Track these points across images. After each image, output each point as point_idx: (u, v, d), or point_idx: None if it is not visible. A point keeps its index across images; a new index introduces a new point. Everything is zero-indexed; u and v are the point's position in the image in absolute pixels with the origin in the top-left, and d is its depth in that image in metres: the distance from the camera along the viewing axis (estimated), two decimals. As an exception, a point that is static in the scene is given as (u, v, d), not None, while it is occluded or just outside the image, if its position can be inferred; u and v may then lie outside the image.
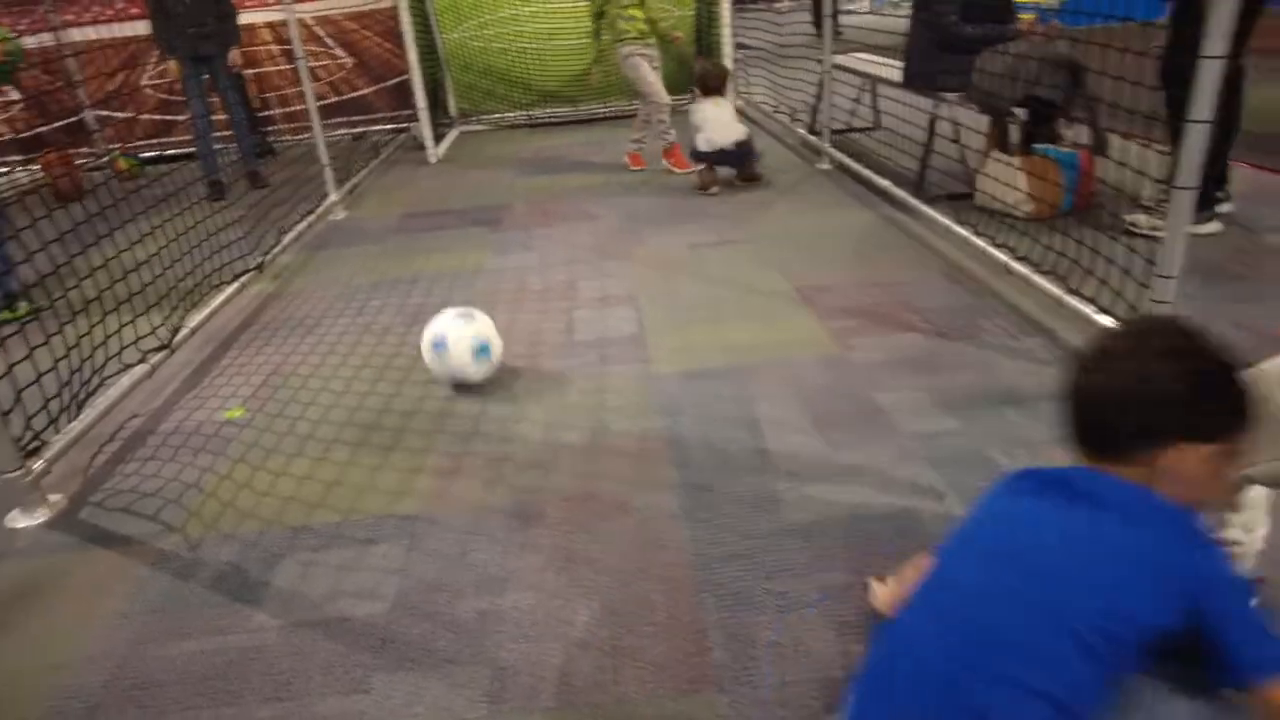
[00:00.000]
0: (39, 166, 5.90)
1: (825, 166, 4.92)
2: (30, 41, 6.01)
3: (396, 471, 2.17)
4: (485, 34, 7.22)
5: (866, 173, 4.41)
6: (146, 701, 1.52)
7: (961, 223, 3.34)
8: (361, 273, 3.82)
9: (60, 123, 6.84)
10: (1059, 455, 1.16)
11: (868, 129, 4.96)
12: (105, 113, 7.05)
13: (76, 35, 6.73)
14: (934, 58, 3.85)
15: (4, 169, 6.33)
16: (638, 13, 4.95)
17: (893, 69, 4.24)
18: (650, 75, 5.02)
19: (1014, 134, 3.82)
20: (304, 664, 1.57)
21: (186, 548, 1.95)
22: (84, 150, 6.80)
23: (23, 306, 3.39)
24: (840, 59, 5.04)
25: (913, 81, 4.11)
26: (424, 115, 6.16)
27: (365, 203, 5.18)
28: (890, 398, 2.31)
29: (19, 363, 2.22)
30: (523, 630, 1.59)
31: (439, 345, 2.50)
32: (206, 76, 5.33)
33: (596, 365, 2.68)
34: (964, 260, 3.28)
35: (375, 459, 2.25)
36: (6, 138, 6.66)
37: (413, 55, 5.96)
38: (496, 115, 7.55)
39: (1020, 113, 3.63)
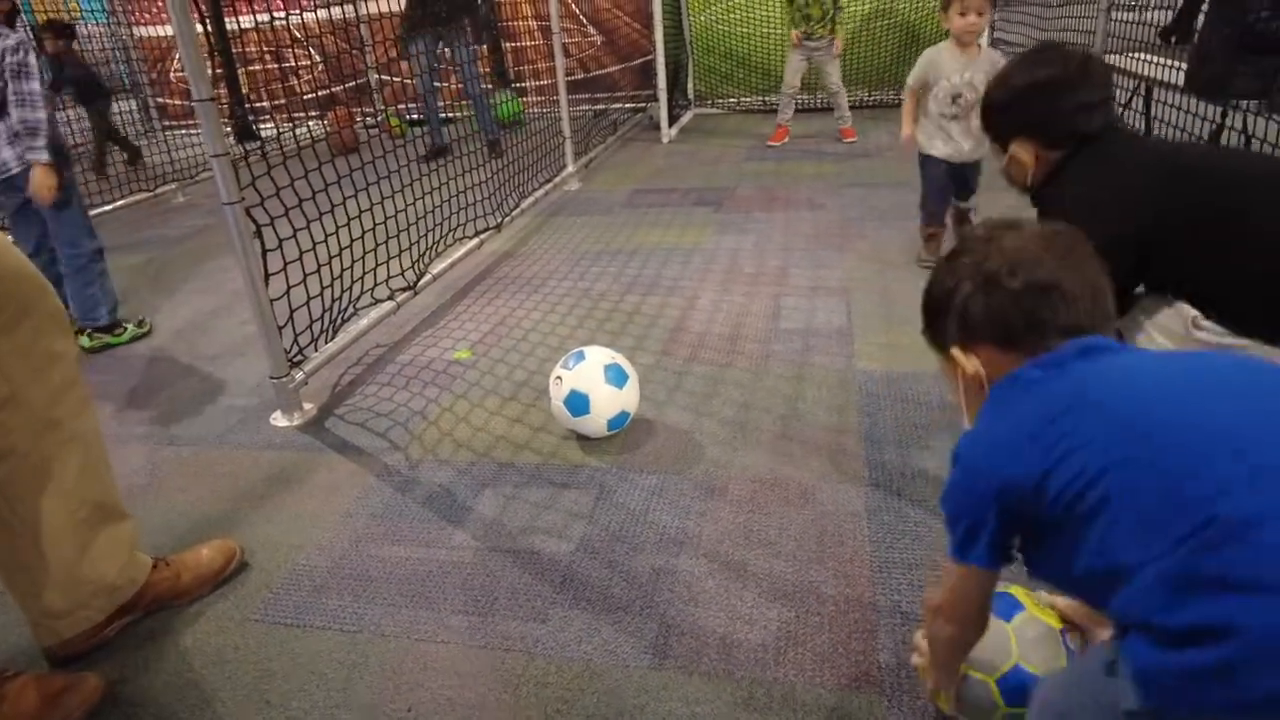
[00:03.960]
0: (328, 120, 6.72)
1: (1079, 175, 4.52)
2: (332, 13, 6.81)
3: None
4: (731, 18, 7.28)
5: (1127, 185, 3.99)
6: (360, 591, 1.73)
7: (1237, 248, 2.95)
8: (588, 241, 4.02)
9: (349, 84, 7.72)
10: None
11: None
12: (383, 77, 7.85)
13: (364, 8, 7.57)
14: (1231, 57, 3.40)
15: (303, 121, 7.25)
16: (814, 10, 5.49)
17: (1173, 70, 3.80)
18: (792, 66, 5.68)
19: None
20: (494, 585, 1.71)
21: (407, 466, 2.18)
22: (363, 110, 7.64)
23: (129, 330, 3.30)
24: (1110, 58, 4.58)
25: (1199, 85, 3.66)
26: (663, 96, 6.34)
27: (599, 176, 5.43)
28: (1119, 428, 2.11)
29: (294, 287, 2.55)
30: (693, 594, 1.64)
31: (576, 406, 2.10)
32: (447, 50, 5.74)
33: (799, 353, 2.65)
34: (1234, 290, 2.90)
35: (577, 413, 2.38)
36: (309, 96, 7.62)
37: (659, 36, 6.14)
38: (732, 99, 7.60)
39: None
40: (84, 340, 3.19)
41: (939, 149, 3.25)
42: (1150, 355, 0.93)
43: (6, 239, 1.45)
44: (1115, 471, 0.80)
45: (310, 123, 7.36)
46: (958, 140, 3.21)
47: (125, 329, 3.28)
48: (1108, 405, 0.86)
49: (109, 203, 5.47)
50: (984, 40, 3.51)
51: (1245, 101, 3.41)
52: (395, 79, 7.79)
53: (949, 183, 3.32)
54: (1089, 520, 0.81)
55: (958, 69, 3.06)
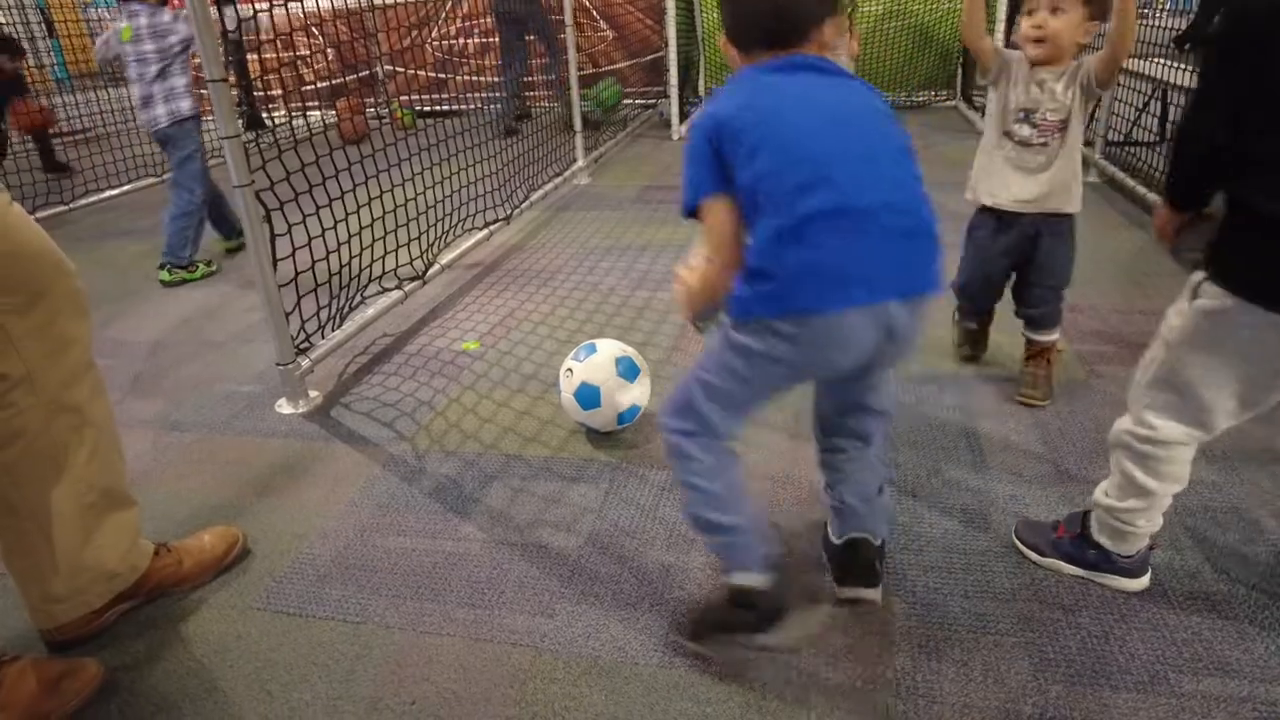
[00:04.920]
0: (335, 111, 6.69)
1: (1092, 179, 4.48)
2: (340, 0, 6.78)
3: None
4: (745, 16, 7.23)
5: (1141, 190, 3.96)
6: (364, 582, 1.70)
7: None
8: (597, 236, 3.99)
9: (356, 75, 7.69)
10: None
11: (1151, 142, 4.44)
12: (392, 67, 7.83)
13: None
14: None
15: (313, 110, 7.23)
16: None
17: (1191, 74, 3.76)
18: None
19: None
20: (500, 578, 1.68)
21: (413, 456, 2.15)
22: (375, 101, 7.61)
23: (200, 268, 3.74)
24: (1127, 62, 4.55)
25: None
26: (674, 93, 6.30)
27: (609, 172, 5.40)
28: (1137, 434, 2.07)
29: (302, 274, 2.52)
30: (704, 592, 1.60)
31: (587, 399, 2.07)
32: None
33: (811, 352, 2.62)
34: (1252, 298, 2.86)
35: (586, 407, 2.35)
36: (318, 85, 7.59)
37: (671, 32, 6.10)
38: (743, 98, 7.56)
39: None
40: (164, 275, 3.68)
41: (983, 188, 2.18)
42: (814, 86, 1.25)
43: (27, 217, 1.42)
44: (769, 177, 1.19)
45: (320, 111, 7.34)
46: (1018, 179, 2.10)
47: (199, 267, 3.75)
48: (779, 119, 1.21)
49: (115, 187, 5.45)
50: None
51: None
52: (404, 70, 7.76)
53: (998, 259, 2.20)
54: (750, 203, 1.22)
55: (1027, 81, 2.06)
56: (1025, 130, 2.08)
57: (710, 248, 1.28)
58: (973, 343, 2.46)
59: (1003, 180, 2.13)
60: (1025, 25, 2.00)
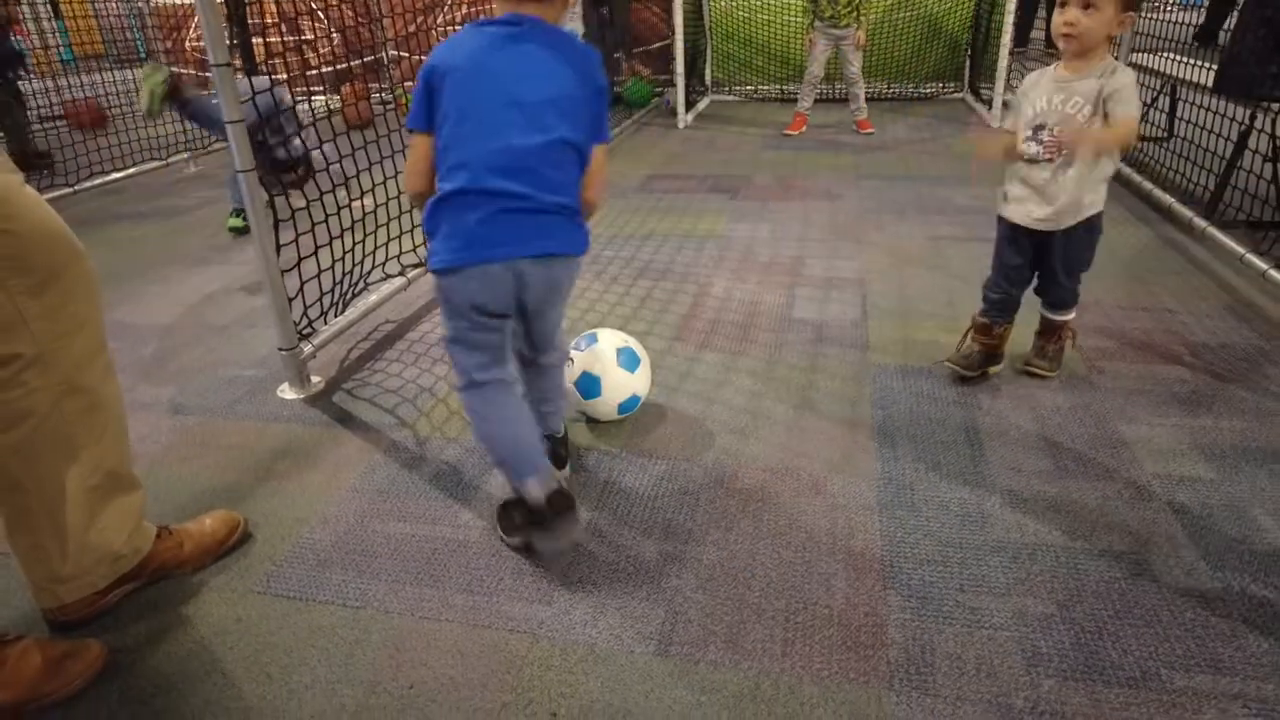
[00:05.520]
0: (339, 96, 6.68)
1: (1100, 174, 4.47)
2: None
3: (604, 411, 2.27)
4: (751, 4, 7.19)
5: (1148, 186, 3.95)
6: (363, 567, 1.71)
7: (1261, 254, 2.91)
8: (601, 225, 3.99)
9: (361, 60, 7.66)
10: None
11: (1158, 138, 4.42)
12: (397, 53, 7.79)
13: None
14: (1266, 59, 3.33)
15: (318, 94, 7.22)
16: None
17: (1201, 70, 3.74)
18: (815, 53, 5.70)
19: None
20: (498, 565, 1.69)
21: (414, 442, 2.16)
22: (380, 86, 7.59)
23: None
24: (1136, 57, 4.52)
25: (1229, 86, 3.60)
26: (680, 81, 6.27)
27: (614, 160, 5.38)
28: (1137, 431, 2.08)
29: (304, 259, 2.53)
30: (700, 582, 1.62)
31: (588, 389, 2.08)
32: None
33: (812, 344, 2.63)
34: (1257, 297, 2.86)
35: (587, 396, 2.35)
36: (322, 70, 7.56)
37: (679, 20, 6.07)
38: (750, 87, 7.54)
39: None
40: (232, 220, 4.06)
41: (1003, 201, 2.24)
42: (513, 59, 1.50)
43: (40, 198, 1.43)
44: (441, 151, 1.52)
45: (324, 95, 7.32)
46: (1033, 194, 2.13)
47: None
48: (468, 96, 1.49)
49: (121, 170, 5.45)
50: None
51: (1277, 104, 3.36)
52: (409, 55, 7.72)
53: (1015, 260, 2.26)
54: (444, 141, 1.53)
55: (1048, 91, 2.06)
56: (1033, 148, 2.10)
57: (408, 173, 1.61)
58: (975, 348, 2.35)
59: (1018, 197, 2.18)
60: (1057, 19, 1.99)
